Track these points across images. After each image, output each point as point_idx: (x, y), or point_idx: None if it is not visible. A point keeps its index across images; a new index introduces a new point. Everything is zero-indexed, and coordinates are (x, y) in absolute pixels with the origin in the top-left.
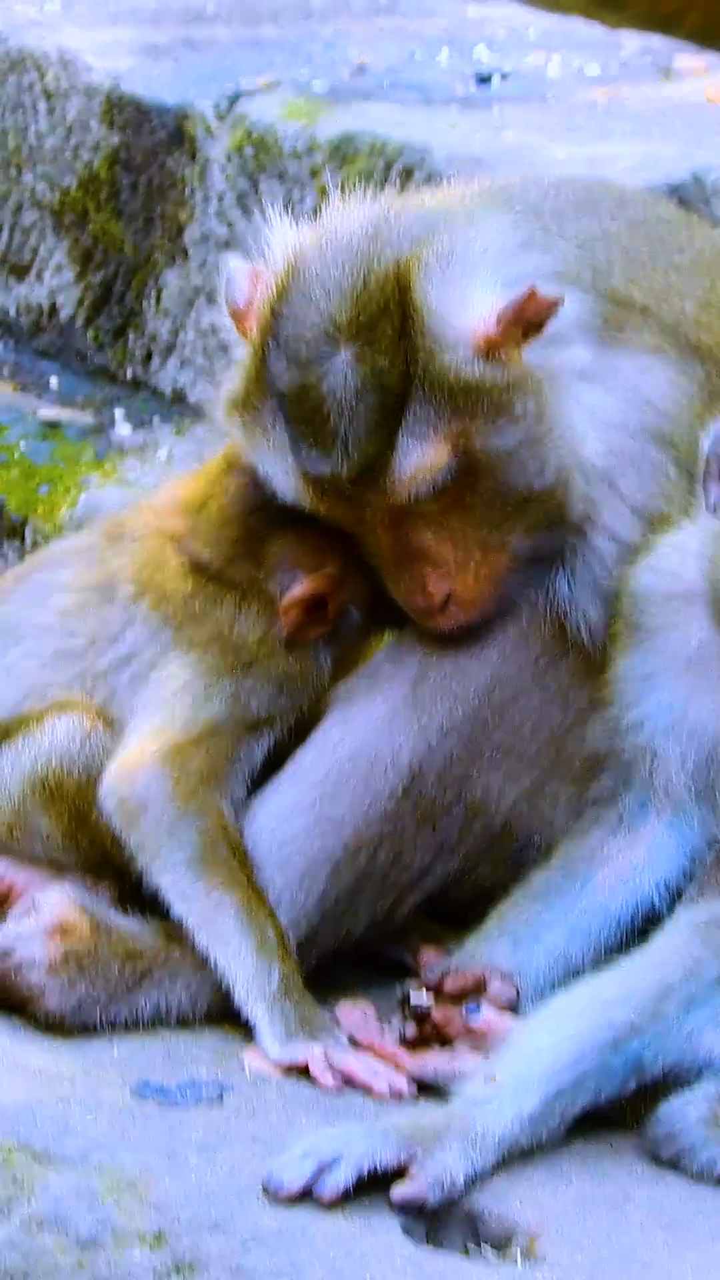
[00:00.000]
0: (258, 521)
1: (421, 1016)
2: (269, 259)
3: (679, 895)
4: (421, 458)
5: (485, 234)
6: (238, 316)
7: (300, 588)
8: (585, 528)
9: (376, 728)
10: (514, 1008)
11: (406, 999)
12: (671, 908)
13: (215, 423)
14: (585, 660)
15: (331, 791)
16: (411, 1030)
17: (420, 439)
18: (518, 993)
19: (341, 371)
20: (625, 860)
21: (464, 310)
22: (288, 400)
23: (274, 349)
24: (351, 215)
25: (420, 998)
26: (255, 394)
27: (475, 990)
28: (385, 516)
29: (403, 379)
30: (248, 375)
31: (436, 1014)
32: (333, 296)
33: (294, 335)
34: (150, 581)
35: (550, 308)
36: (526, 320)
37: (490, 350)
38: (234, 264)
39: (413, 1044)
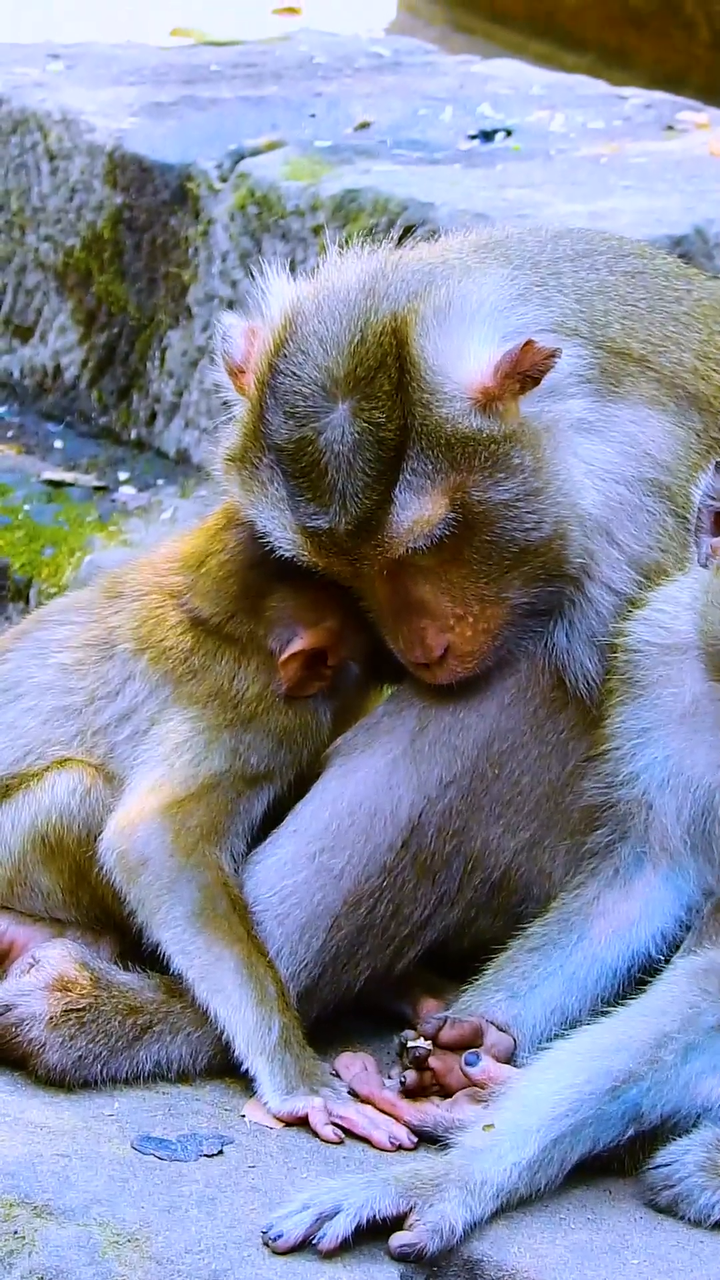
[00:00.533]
0: (257, 577)
1: (420, 1062)
2: (266, 314)
3: (676, 947)
4: (419, 511)
5: (482, 287)
6: (234, 373)
7: (299, 642)
8: (583, 580)
9: (376, 781)
10: (511, 1058)
11: (405, 1046)
12: (668, 959)
13: (214, 478)
14: (583, 713)
15: (331, 845)
16: (412, 1077)
17: (417, 492)
18: (515, 1043)
19: (339, 426)
20: (621, 913)
21: (461, 363)
22: (285, 455)
23: (271, 404)
24: (348, 269)
25: (418, 1043)
26: (253, 449)
27: (472, 1041)
28: (383, 570)
29: (400, 432)
30: (245, 430)
31: (436, 1063)
32: (330, 351)
33: (291, 389)
34: (150, 638)
35: (547, 360)
36: (523, 373)
37: (487, 403)
38: (229, 321)
39: (412, 1093)
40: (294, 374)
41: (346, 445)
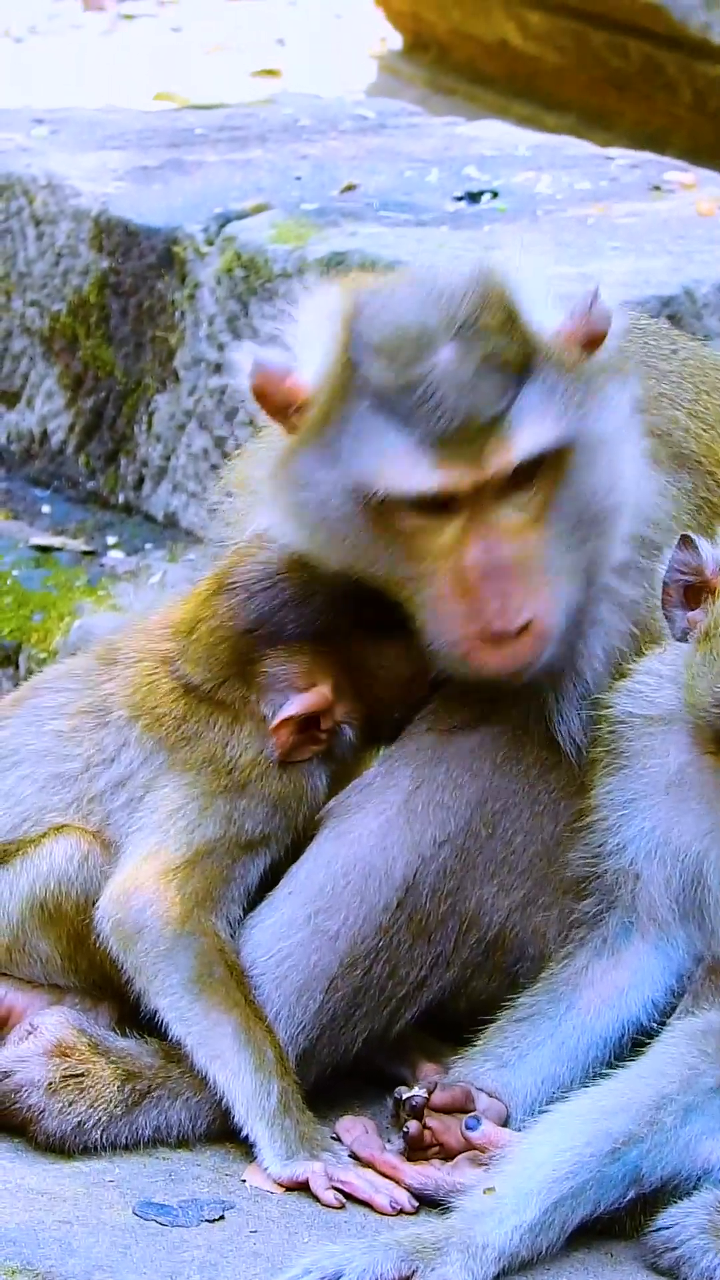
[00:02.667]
0: (248, 642)
1: (418, 1112)
2: (316, 323)
3: (667, 1015)
4: (539, 419)
5: (528, 267)
6: (275, 400)
7: (291, 707)
8: (594, 609)
9: (370, 841)
10: (505, 1124)
11: (400, 1100)
12: (660, 1027)
13: (257, 484)
14: (575, 773)
15: (326, 906)
16: (414, 1126)
17: (537, 410)
18: (506, 1109)
19: (460, 353)
20: (610, 982)
21: (548, 311)
22: (395, 390)
23: (366, 354)
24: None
25: (414, 1092)
26: (340, 405)
27: (463, 1105)
28: (480, 512)
29: (520, 357)
30: (332, 396)
31: (434, 1123)
32: (427, 299)
33: (391, 336)
34: (143, 704)
35: (608, 316)
36: (592, 325)
37: (574, 345)
38: (244, 357)
39: (413, 1148)
40: (388, 322)
41: (467, 369)
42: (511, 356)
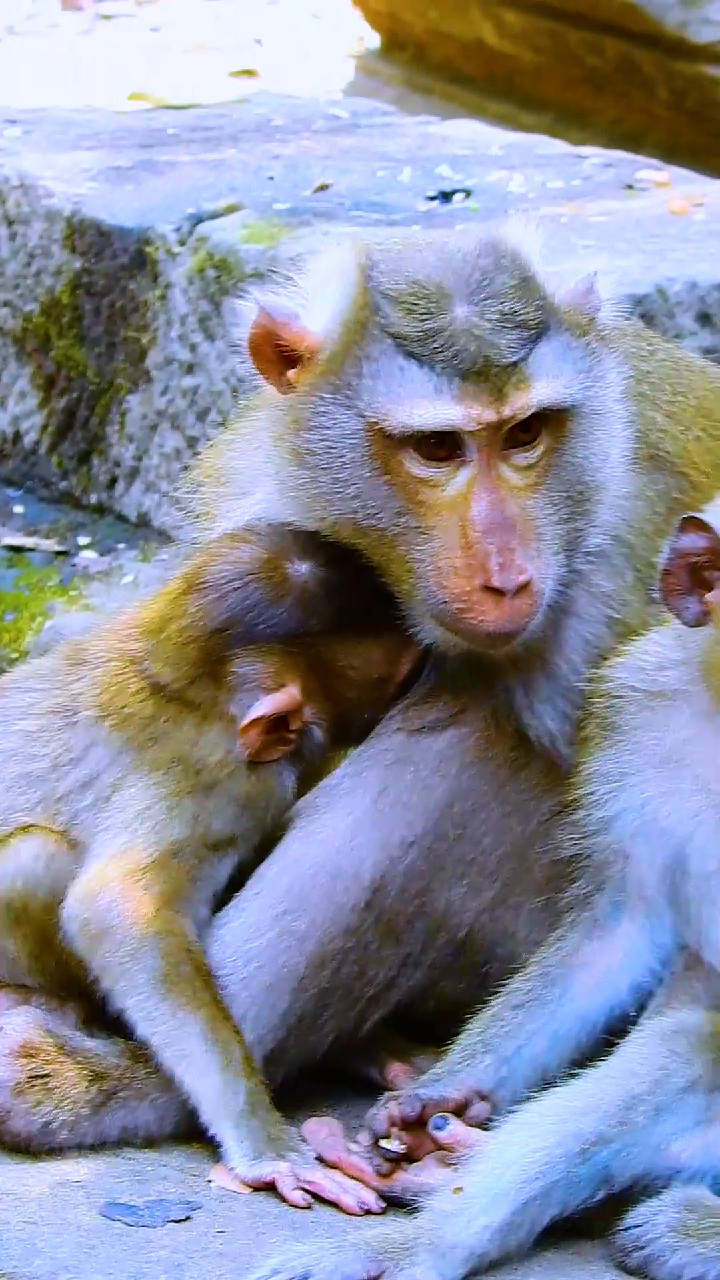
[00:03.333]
0: (217, 642)
1: (395, 1161)
2: (324, 279)
3: (649, 998)
4: (556, 374)
5: (532, 238)
6: (280, 328)
7: (261, 708)
8: (568, 604)
9: (338, 842)
10: (483, 1122)
11: (377, 1142)
12: (640, 1012)
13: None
14: (544, 772)
15: (294, 907)
16: (385, 1168)
17: (553, 362)
18: (493, 1106)
19: (478, 309)
20: (603, 963)
21: (554, 280)
22: (419, 332)
23: (384, 301)
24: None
25: (391, 1146)
26: (358, 344)
27: (460, 1111)
28: (487, 466)
29: (536, 316)
30: (349, 335)
31: (408, 1138)
32: (441, 260)
33: (408, 290)
34: (111, 704)
35: (600, 304)
36: (590, 306)
37: (580, 314)
38: (248, 304)
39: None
40: (407, 273)
41: (485, 324)
42: (528, 315)
